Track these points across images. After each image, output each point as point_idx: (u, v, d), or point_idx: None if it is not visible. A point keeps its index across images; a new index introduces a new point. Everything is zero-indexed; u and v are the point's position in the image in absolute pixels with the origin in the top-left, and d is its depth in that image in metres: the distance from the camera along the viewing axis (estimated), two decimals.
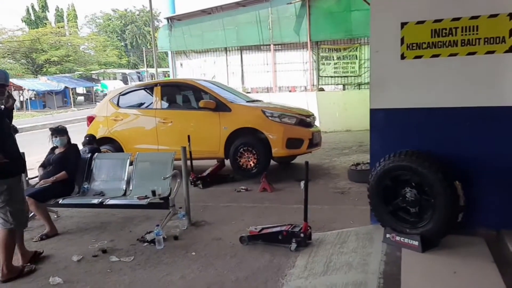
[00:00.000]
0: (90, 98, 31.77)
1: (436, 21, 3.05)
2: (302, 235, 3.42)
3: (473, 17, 2.96)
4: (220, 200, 5.23)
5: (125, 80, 31.73)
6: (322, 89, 11.44)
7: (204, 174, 6.02)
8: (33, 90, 25.42)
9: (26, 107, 25.19)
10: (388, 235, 3.09)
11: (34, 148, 8.23)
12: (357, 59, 11.18)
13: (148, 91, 6.88)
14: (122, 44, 45.88)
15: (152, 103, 6.67)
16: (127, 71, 36.01)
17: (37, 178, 4.57)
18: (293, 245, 3.40)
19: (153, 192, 4.14)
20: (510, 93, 2.94)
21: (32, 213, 4.25)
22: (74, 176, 4.57)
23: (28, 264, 3.46)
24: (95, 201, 4.27)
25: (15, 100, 3.57)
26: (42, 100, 27.28)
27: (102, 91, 30.56)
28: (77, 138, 5.52)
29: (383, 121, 3.33)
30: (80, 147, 5.11)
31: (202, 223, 4.36)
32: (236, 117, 6.04)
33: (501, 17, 2.89)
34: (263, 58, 12.28)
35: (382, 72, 3.27)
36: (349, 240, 3.40)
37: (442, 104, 3.12)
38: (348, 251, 3.17)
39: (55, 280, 3.19)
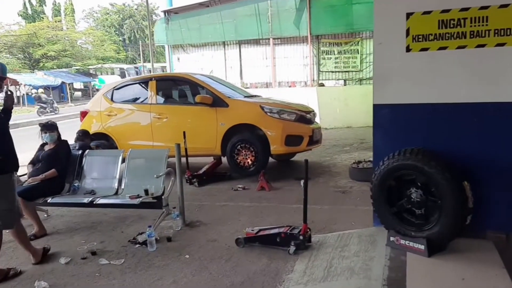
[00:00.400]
0: (88, 93, 31.58)
1: (443, 11, 2.89)
2: (301, 237, 3.28)
3: (482, 7, 2.80)
4: (216, 199, 5.08)
5: (123, 75, 31.57)
6: (322, 85, 11.25)
7: (200, 172, 5.88)
8: (30, 85, 25.18)
9: (22, 102, 24.98)
10: (392, 238, 2.95)
11: (29, 144, 8.03)
12: (358, 53, 11.00)
13: (143, 85, 6.70)
14: (120, 38, 45.63)
15: (147, 98, 6.50)
16: (125, 66, 35.84)
17: (26, 176, 4.41)
18: (292, 248, 3.26)
19: (146, 191, 3.97)
20: None
21: None
22: (64, 173, 4.42)
23: (14, 267, 3.31)
24: (85, 200, 4.10)
25: (13, 101, 3.46)
26: None
27: (100, 86, 30.39)
28: (68, 134, 5.35)
29: (387, 117, 3.18)
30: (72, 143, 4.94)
31: (197, 223, 4.21)
32: (233, 113, 5.87)
33: None
34: (262, 53, 12.09)
35: (386, 65, 3.12)
36: (351, 243, 3.25)
37: (449, 100, 2.97)
38: (349, 255, 3.03)
39: (40, 285, 3.05)
